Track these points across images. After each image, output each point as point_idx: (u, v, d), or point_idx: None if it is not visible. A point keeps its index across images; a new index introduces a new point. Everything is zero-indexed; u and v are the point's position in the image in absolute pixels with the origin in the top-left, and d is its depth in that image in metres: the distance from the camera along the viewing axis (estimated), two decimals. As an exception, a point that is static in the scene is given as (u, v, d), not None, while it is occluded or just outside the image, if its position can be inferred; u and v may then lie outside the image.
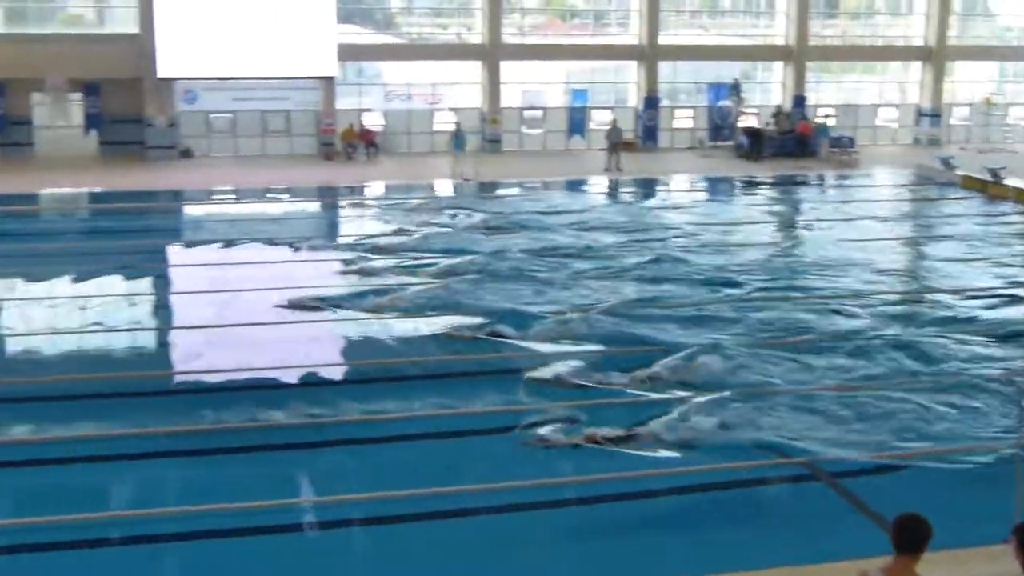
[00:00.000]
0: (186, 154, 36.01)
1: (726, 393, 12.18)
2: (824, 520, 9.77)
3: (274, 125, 37.01)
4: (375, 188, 31.84)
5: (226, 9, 34.71)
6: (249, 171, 33.83)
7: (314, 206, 30.51)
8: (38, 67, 33.82)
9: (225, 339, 15.45)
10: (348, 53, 36.30)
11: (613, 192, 32.26)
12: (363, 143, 36.52)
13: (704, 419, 11.51)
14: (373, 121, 37.64)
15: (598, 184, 33.04)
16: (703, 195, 32.91)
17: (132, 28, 35.16)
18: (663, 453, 10.85)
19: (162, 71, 34.64)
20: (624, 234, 23.32)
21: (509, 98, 38.44)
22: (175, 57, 34.51)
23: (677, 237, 23.11)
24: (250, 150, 36.80)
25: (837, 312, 16.36)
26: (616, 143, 34.23)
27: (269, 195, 30.36)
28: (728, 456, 10.82)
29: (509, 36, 38.24)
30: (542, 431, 11.26)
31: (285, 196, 30.29)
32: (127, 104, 35.21)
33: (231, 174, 33.39)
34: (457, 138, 33.52)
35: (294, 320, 16.18)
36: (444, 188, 31.55)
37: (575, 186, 32.41)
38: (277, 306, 16.69)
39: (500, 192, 30.37)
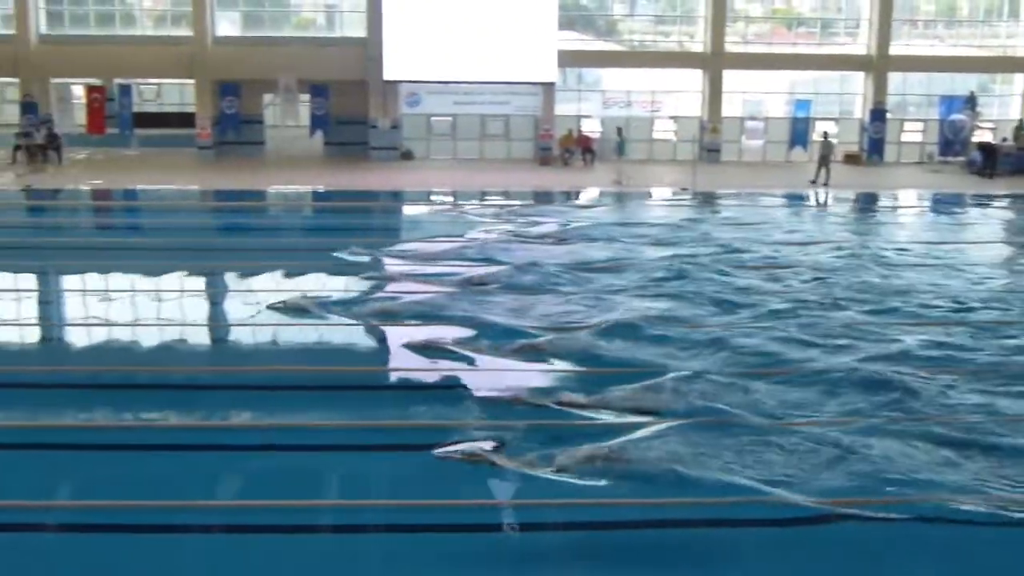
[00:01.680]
0: (407, 156, 36.73)
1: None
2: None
3: (493, 129, 37.40)
4: (587, 194, 31.50)
5: (450, 15, 35.20)
6: (467, 174, 34.17)
7: (523, 209, 30.05)
8: (271, 69, 35.18)
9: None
10: (568, 59, 36.32)
11: (810, 206, 30.68)
12: (580, 149, 36.42)
13: (650, 449, 10.39)
14: (591, 127, 37.54)
15: (798, 197, 31.61)
16: (919, 211, 30.80)
17: (360, 32, 36.10)
18: (587, 481, 9.82)
19: (388, 74, 35.43)
20: (811, 250, 22.06)
21: (730, 107, 37.63)
22: (400, 61, 35.25)
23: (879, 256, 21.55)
24: (468, 153, 37.30)
25: None
26: (826, 156, 32.95)
27: (485, 198, 30.44)
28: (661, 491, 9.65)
29: (732, 44, 37.46)
30: (463, 448, 10.53)
31: (500, 199, 30.27)
32: (352, 106, 36.18)
33: (449, 176, 33.72)
34: (619, 143, 33.00)
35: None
36: (661, 196, 30.94)
37: (772, 198, 30.85)
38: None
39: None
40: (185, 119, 38.37)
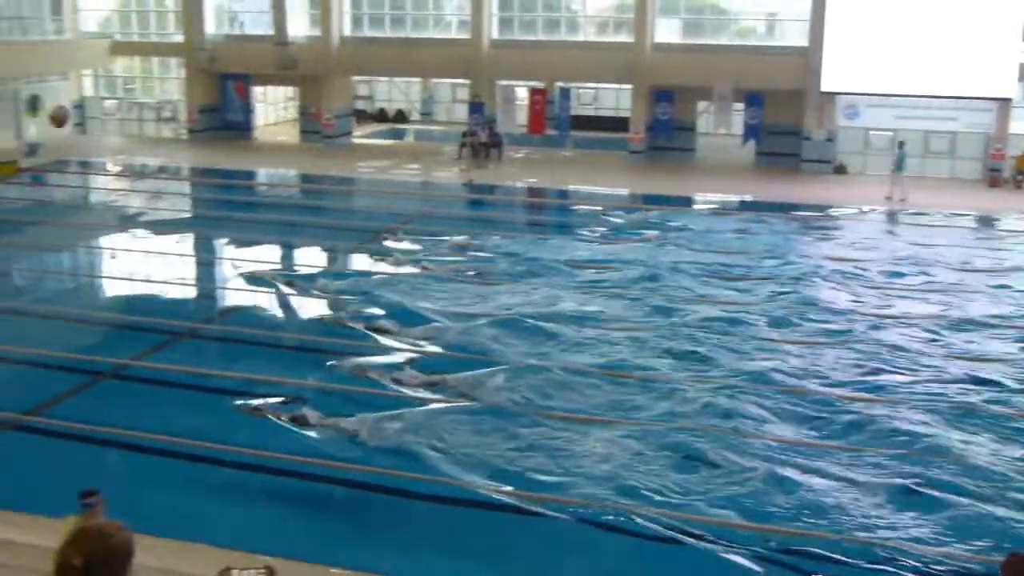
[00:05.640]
0: (840, 170, 35.31)
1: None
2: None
3: (936, 146, 35.06)
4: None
5: (897, 25, 33.30)
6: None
7: (967, 235, 27.49)
8: (707, 76, 35.04)
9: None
10: (1029, 73, 33.35)
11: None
12: (1036, 172, 33.37)
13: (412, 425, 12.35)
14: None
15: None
16: None
17: (801, 41, 35.09)
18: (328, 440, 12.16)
19: (826, 85, 34.17)
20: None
21: None
22: (839, 71, 33.90)
23: None
24: (909, 170, 35.10)
25: None
26: None
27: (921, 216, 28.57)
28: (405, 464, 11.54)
29: None
30: (261, 403, 13.10)
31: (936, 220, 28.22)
32: (785, 116, 35.28)
33: (882, 193, 31.77)
34: (898, 158, 30.84)
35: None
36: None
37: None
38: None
39: None
40: (619, 123, 39.26)
